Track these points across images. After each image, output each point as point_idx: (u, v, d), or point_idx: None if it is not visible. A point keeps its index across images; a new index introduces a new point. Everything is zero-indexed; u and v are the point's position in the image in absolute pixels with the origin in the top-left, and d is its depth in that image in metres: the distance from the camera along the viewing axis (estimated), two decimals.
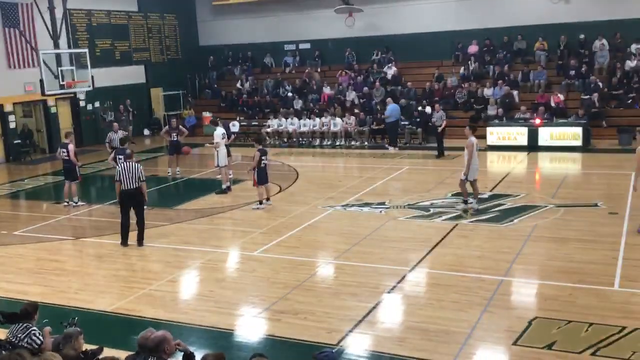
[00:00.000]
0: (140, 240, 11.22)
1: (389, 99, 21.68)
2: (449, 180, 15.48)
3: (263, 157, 13.36)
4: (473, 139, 12.47)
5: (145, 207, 11.50)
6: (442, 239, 10.89)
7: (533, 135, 19.43)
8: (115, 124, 18.61)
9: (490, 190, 14.07)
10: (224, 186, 15.19)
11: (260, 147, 13.53)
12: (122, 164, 11.33)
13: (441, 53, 24.75)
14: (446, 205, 13.15)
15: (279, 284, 9.13)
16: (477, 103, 22.32)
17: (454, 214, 12.40)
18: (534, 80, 22.55)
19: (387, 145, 20.82)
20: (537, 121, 19.58)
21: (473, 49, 24.42)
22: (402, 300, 8.54)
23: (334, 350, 6.63)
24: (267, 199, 13.67)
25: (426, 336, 7.23)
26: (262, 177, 13.41)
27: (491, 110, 21.43)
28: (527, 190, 14.24)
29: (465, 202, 12.77)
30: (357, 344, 7.25)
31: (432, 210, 12.73)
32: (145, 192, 11.32)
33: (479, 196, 12.83)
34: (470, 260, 9.79)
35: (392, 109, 20.84)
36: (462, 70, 23.99)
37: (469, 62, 24.06)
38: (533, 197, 13.59)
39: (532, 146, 19.29)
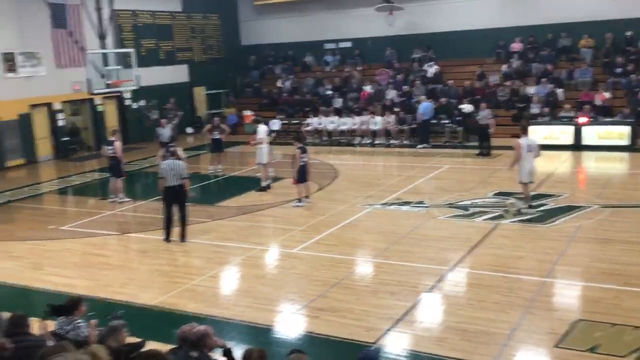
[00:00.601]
0: (182, 236, 11.43)
1: (422, 97, 21.60)
2: (491, 179, 15.31)
3: (303, 155, 13.44)
4: (520, 140, 12.28)
5: (187, 203, 11.71)
6: (483, 238, 10.77)
7: (578, 134, 19.02)
8: (163, 120, 19.27)
9: (533, 190, 13.82)
10: (263, 184, 15.34)
11: (300, 145, 13.60)
12: (166, 161, 11.57)
13: (483, 51, 24.40)
14: (487, 204, 12.99)
15: (317, 281, 9.18)
16: (519, 101, 21.96)
17: (495, 214, 12.24)
18: (579, 78, 22.06)
19: (419, 146, 20.75)
20: (582, 120, 19.16)
21: (516, 46, 24.02)
22: (441, 299, 8.49)
23: (372, 348, 6.66)
24: (307, 197, 13.75)
25: (465, 337, 7.18)
26: (301, 175, 13.49)
27: (534, 109, 21.05)
28: (571, 190, 13.96)
29: (530, 206, 12.38)
30: (396, 343, 7.24)
31: (472, 210, 12.60)
32: (189, 189, 11.53)
33: (523, 198, 12.59)
34: (512, 261, 9.66)
35: (424, 107, 20.76)
36: (504, 68, 23.62)
37: (512, 59, 23.68)
38: (577, 197, 13.32)
39: (577, 145, 18.88)
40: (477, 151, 18.84)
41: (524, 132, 12.55)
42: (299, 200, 13.64)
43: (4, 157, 20.39)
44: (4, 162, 20.37)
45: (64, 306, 6.03)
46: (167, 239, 11.45)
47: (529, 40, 23.92)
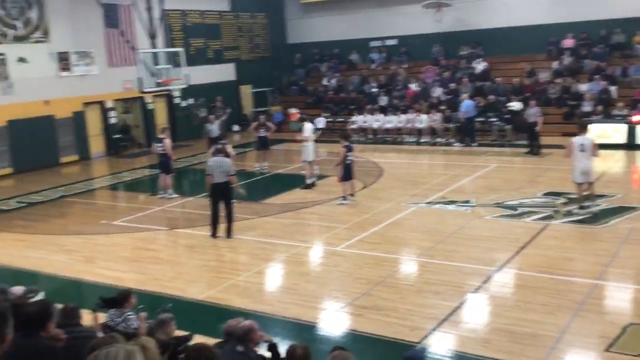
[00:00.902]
0: (228, 233, 11.59)
1: (464, 95, 21.30)
2: (540, 178, 14.99)
3: (348, 154, 13.43)
4: (573, 139, 11.99)
5: (233, 200, 11.85)
6: (532, 239, 10.56)
7: (632, 133, 18.43)
8: (211, 116, 19.73)
9: (585, 190, 13.46)
10: (308, 181, 15.40)
11: (347, 143, 13.59)
12: (213, 158, 11.76)
13: (533, 47, 23.85)
14: (537, 204, 12.72)
15: (361, 279, 9.18)
16: (571, 99, 21.41)
17: (545, 214, 11.98)
18: (633, 75, 21.35)
19: (455, 143, 20.57)
20: (636, 118, 18.55)
21: (568, 42, 23.41)
22: (487, 300, 8.37)
23: (417, 348, 6.63)
24: (352, 195, 13.74)
25: (512, 339, 7.06)
26: (346, 174, 13.49)
27: (586, 107, 20.49)
28: (624, 191, 13.54)
29: (581, 206, 12.04)
30: (441, 343, 7.18)
31: (521, 210, 12.36)
32: (236, 185, 11.68)
33: (580, 199, 12.22)
34: (561, 262, 9.44)
35: (466, 105, 20.50)
36: (555, 64, 23.06)
37: (563, 56, 23.10)
38: (630, 198, 12.91)
39: (630, 144, 18.29)
40: (526, 150, 18.48)
41: (581, 130, 12.22)
42: (344, 198, 13.64)
43: (58, 153, 21.05)
44: (59, 158, 21.03)
45: (115, 299, 6.19)
46: (214, 235, 11.62)
47: (581, 36, 23.28)
